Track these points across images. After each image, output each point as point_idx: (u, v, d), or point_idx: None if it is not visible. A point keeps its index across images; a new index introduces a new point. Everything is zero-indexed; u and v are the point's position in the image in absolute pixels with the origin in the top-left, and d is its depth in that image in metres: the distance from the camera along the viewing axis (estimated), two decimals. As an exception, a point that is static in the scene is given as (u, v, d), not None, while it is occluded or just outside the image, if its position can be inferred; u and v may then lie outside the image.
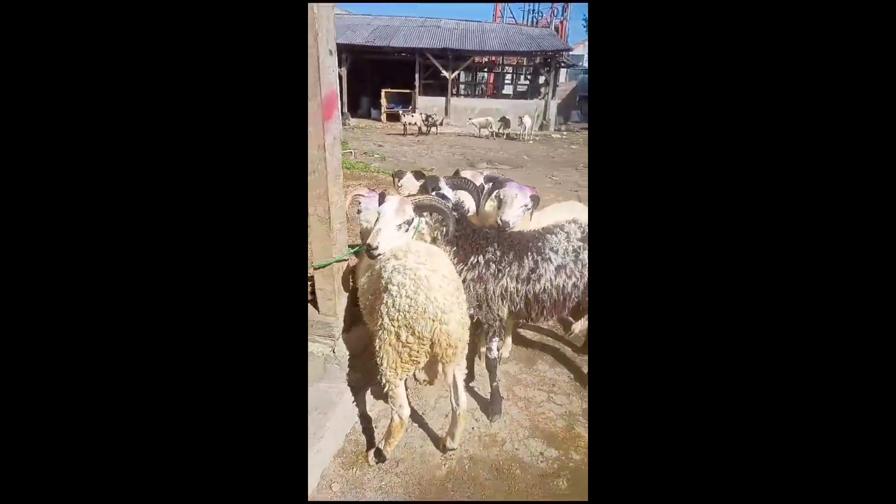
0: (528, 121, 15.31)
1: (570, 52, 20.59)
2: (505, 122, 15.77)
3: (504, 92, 24.14)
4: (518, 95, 22.51)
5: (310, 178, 1.74)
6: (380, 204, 1.78)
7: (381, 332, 1.57)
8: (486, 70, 24.22)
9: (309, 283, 2.02)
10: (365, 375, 2.06)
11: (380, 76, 20.04)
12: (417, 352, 1.54)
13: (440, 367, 1.75)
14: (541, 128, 17.61)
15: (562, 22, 26.98)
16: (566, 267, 1.93)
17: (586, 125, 19.04)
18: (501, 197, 2.01)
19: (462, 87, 22.61)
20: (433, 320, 1.48)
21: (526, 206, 2.03)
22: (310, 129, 1.64)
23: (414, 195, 1.95)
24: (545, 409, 2.18)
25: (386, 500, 1.68)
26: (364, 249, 1.72)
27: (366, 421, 2.01)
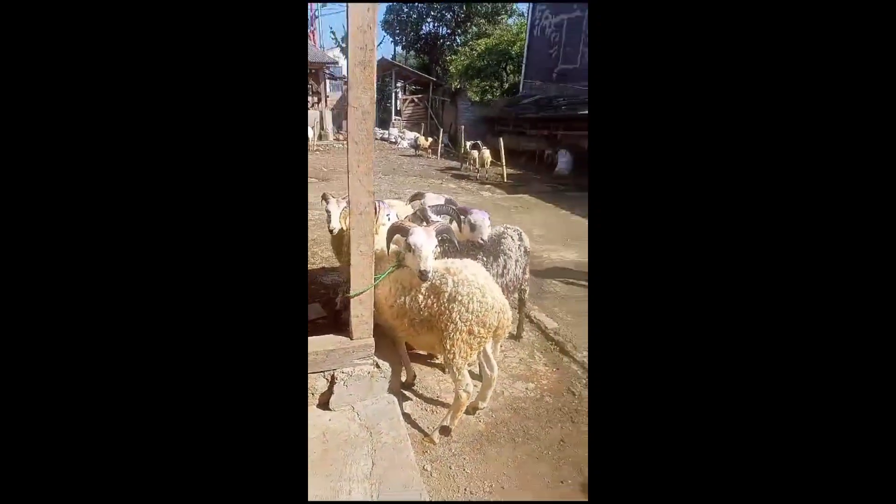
0: (309, 132, 15.28)
1: (335, 65, 21.32)
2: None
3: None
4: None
5: (357, 218, 2.01)
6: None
7: (452, 332, 2.06)
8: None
9: (343, 312, 2.20)
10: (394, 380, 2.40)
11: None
12: (484, 339, 2.11)
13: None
14: (320, 137, 17.77)
15: (312, 31, 27.19)
16: (518, 260, 2.80)
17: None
18: (473, 221, 2.68)
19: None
20: (498, 313, 2.09)
21: (490, 225, 2.78)
22: (362, 175, 1.94)
23: (409, 219, 2.42)
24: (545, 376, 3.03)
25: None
26: (419, 276, 2.09)
27: (409, 418, 2.39)
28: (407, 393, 2.62)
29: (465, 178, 11.59)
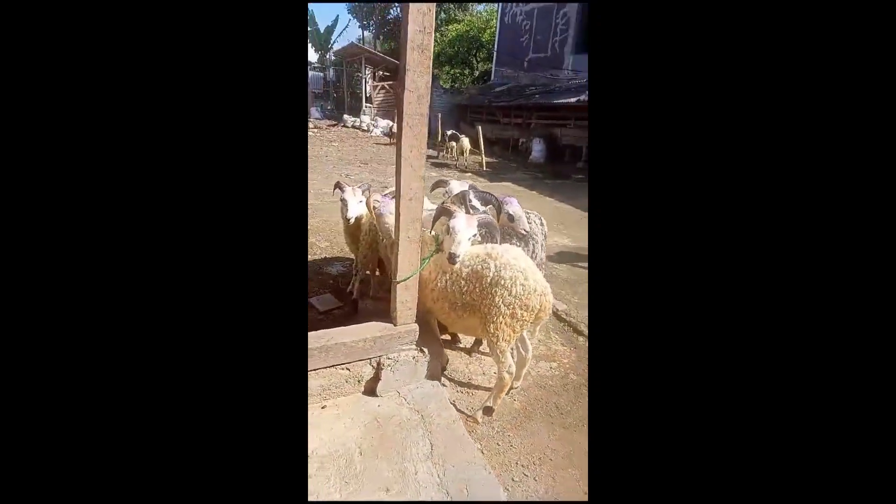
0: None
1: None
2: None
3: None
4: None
5: (407, 203, 2.01)
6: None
7: (495, 315, 2.12)
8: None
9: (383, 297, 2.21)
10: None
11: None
12: (527, 321, 2.19)
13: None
14: (288, 125, 17.17)
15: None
16: (542, 244, 2.89)
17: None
18: (512, 213, 2.72)
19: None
20: (540, 295, 2.16)
21: (528, 213, 2.84)
22: (414, 160, 1.94)
23: (450, 204, 2.45)
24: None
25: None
26: (447, 258, 2.15)
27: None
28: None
29: (444, 166, 11.58)
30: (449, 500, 1.70)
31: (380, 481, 1.75)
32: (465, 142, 11.53)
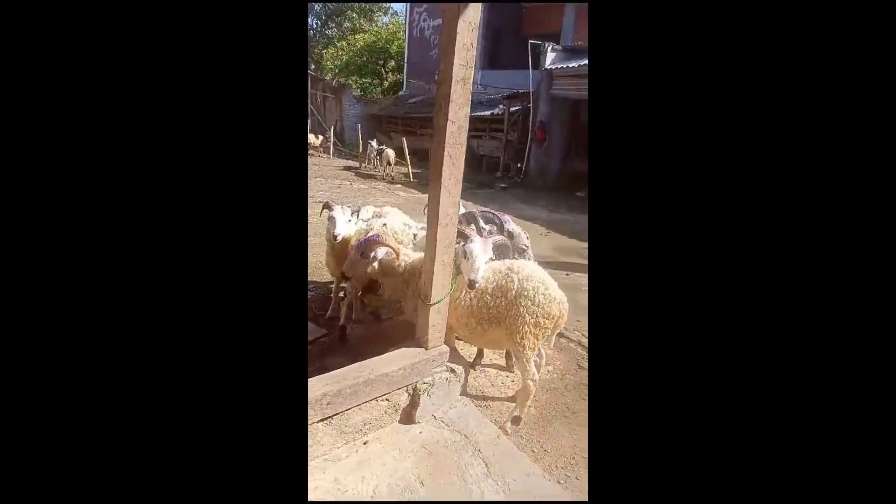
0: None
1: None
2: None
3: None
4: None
5: (443, 229, 2.05)
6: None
7: (521, 325, 2.25)
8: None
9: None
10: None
11: None
12: (548, 329, 2.34)
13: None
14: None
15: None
16: (529, 255, 3.11)
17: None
18: (511, 230, 2.86)
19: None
20: (559, 303, 2.34)
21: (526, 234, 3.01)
22: (452, 187, 1.99)
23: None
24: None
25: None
26: (467, 284, 2.22)
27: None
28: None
29: (370, 177, 11.42)
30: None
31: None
32: (391, 153, 11.53)
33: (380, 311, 3.76)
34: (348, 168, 12.72)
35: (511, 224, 2.89)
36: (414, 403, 2.20)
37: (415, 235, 2.97)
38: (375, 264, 2.49)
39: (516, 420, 2.43)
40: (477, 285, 2.17)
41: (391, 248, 2.42)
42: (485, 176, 13.38)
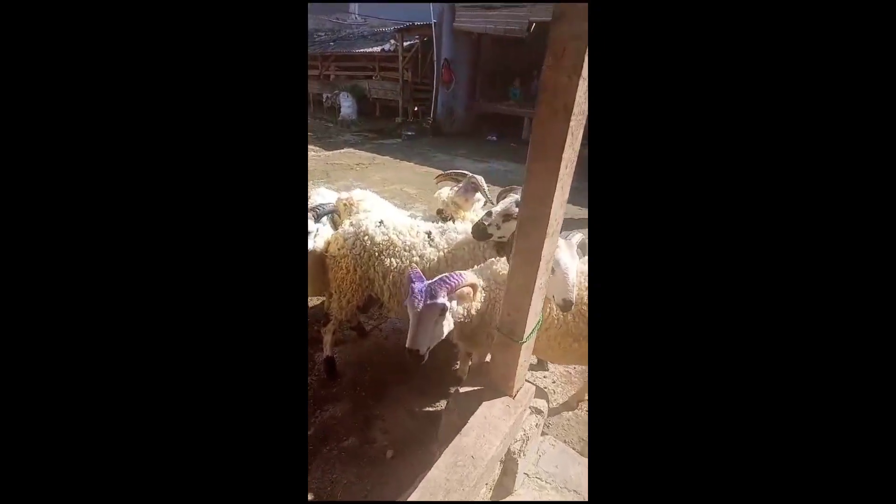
0: None
1: None
2: None
3: None
4: None
5: (549, 241, 1.41)
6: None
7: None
8: None
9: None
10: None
11: None
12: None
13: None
14: None
15: None
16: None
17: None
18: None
19: None
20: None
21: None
22: (566, 179, 1.34)
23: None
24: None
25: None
26: (561, 307, 1.67)
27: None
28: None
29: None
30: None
31: None
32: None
33: (362, 324, 2.97)
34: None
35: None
36: (508, 471, 1.65)
37: (428, 234, 2.18)
38: (473, 311, 1.68)
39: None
40: (573, 305, 1.62)
41: (471, 284, 1.59)
42: (382, 122, 12.14)
